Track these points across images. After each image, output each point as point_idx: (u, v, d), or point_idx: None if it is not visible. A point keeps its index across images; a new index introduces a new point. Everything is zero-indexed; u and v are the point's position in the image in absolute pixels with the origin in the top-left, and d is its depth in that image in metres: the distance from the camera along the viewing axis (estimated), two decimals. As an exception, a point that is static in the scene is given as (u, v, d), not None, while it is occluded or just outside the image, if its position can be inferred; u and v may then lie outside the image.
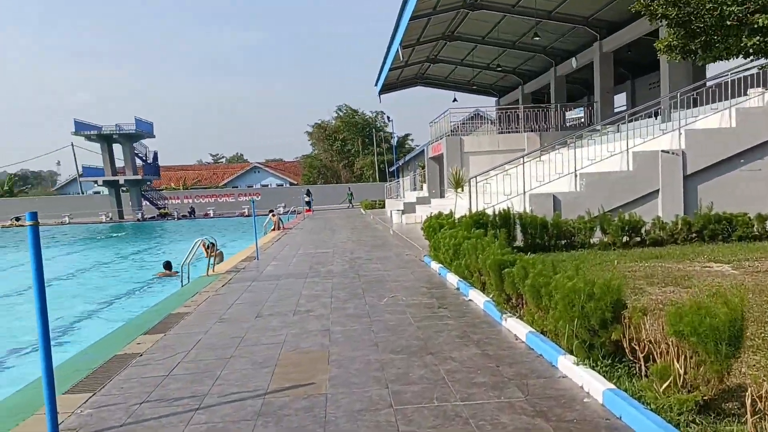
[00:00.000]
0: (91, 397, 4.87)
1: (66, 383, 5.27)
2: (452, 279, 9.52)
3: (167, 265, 15.36)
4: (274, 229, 26.24)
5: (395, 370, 5.23)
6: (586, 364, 4.79)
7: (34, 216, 3.84)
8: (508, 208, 12.42)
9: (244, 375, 5.27)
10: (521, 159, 14.80)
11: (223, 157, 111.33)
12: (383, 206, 38.60)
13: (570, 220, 12.39)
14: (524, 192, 14.11)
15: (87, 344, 7.36)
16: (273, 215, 27.36)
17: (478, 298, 7.91)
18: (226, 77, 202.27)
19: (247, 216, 45.95)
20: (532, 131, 24.88)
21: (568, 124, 29.60)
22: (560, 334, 5.20)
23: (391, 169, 60.94)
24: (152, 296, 12.52)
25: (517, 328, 6.27)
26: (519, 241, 12.14)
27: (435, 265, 11.10)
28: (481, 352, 5.69)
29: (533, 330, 5.93)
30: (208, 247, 16.71)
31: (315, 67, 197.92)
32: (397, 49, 24.52)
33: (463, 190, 16.30)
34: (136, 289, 14.25)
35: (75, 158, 62.43)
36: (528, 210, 13.17)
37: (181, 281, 12.24)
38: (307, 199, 49.70)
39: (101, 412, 4.52)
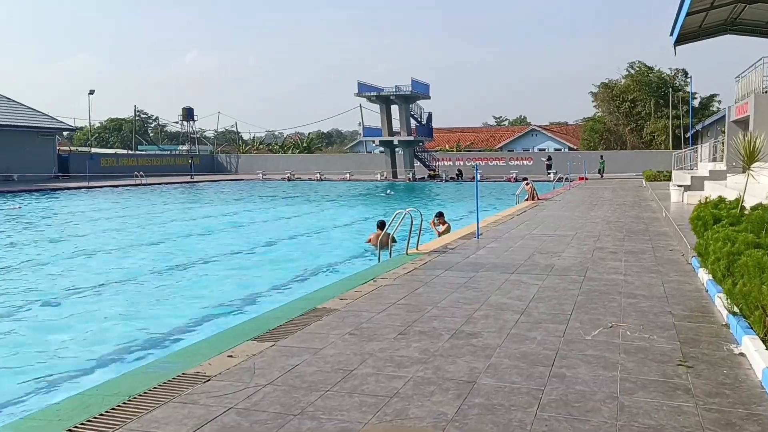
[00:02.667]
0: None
1: (86, 413, 3.86)
2: (722, 305, 6.13)
3: (381, 225, 13.47)
4: (527, 199, 23.56)
5: None
6: None
7: None
8: (841, 196, 8.09)
9: (278, 463, 3.22)
10: None
11: (506, 119, 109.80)
12: (669, 178, 32.74)
13: None
14: None
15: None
16: (527, 184, 24.61)
17: (755, 356, 4.61)
18: (518, 39, 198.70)
19: (515, 181, 43.62)
20: None
21: None
22: None
23: (687, 135, 52.41)
24: (347, 269, 11.22)
25: (823, 459, 3.09)
26: None
27: (704, 275, 7.60)
28: None
29: None
30: (436, 216, 15.01)
31: (607, 21, 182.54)
32: (697, -16, 19.37)
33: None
34: (348, 257, 13.17)
35: (362, 119, 66.49)
36: None
37: (378, 257, 10.66)
38: (548, 162, 47.74)
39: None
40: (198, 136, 78.56)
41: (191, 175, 52.32)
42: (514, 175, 47.94)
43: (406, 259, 9.92)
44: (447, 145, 74.85)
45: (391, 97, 51.24)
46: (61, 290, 10.31)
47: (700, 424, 3.64)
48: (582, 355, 4.96)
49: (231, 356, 5.01)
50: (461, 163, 56.41)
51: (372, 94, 51.38)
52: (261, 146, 79.67)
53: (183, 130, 74.36)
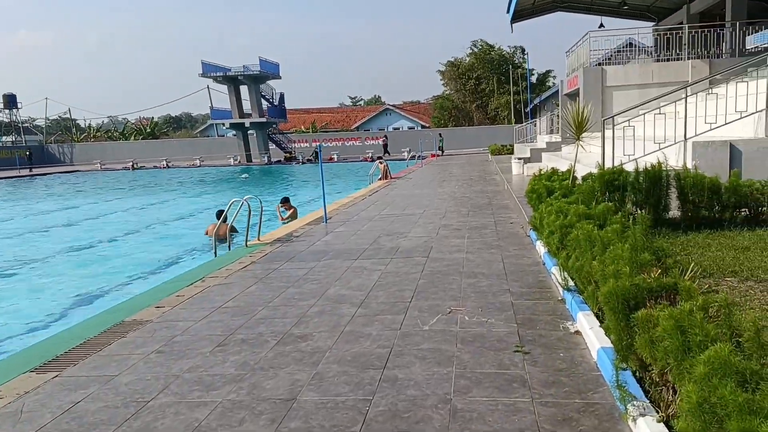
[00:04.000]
0: None
1: None
2: (559, 278, 6.03)
3: (219, 214, 11.55)
4: (381, 179, 23.46)
5: None
6: None
7: None
8: (660, 162, 8.43)
9: None
10: (683, 92, 10.51)
11: (361, 99, 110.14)
12: (512, 152, 34.38)
13: (756, 181, 8.22)
14: (685, 139, 9.91)
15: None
16: (381, 163, 24.53)
17: (590, 334, 4.44)
18: (367, 17, 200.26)
19: (371, 160, 43.69)
20: (698, 58, 19.52)
21: (748, 50, 23.41)
22: None
23: (527, 110, 55.63)
24: (179, 268, 10.17)
25: (657, 452, 2.84)
26: (675, 210, 8.24)
27: (541, 248, 7.59)
28: None
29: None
30: (281, 202, 14.26)
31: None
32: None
33: (604, 134, 12.11)
34: (183, 254, 12.06)
35: (210, 101, 63.30)
36: (690, 165, 9.07)
37: (214, 251, 9.75)
38: (384, 142, 50.62)
39: None
40: (28, 125, 71.00)
41: (30, 167, 47.80)
42: (370, 155, 48.14)
43: (244, 252, 9.11)
44: (303, 127, 73.77)
45: (239, 78, 49.15)
46: None
47: (536, 424, 3.31)
48: (417, 350, 4.54)
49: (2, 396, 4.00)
50: (317, 144, 55.71)
51: (218, 74, 48.93)
52: (99, 133, 73.47)
53: (6, 120, 66.83)
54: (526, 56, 61.05)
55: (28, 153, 51.42)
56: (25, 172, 46.38)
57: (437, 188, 18.05)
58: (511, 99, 59.95)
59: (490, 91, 64.64)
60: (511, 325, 5.01)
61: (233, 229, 10.92)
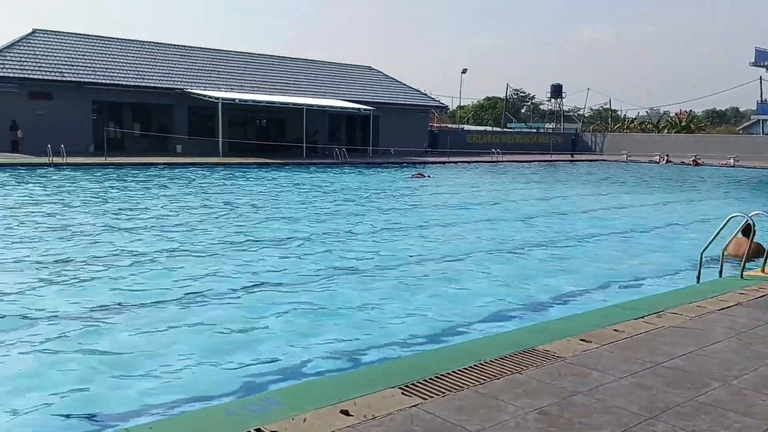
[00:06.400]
0: None
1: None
2: None
3: (746, 231, 8.15)
4: None
5: None
6: None
7: None
8: None
9: None
10: None
11: None
12: None
13: None
14: None
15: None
16: None
17: None
18: None
19: None
20: None
21: None
22: None
23: None
24: (662, 285, 8.25)
25: None
26: None
27: None
28: None
29: None
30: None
31: None
32: None
33: None
34: (661, 270, 9.85)
35: (761, 93, 55.10)
36: None
37: (698, 275, 7.58)
38: None
39: None
40: (572, 114, 76.91)
41: (572, 153, 52.15)
42: None
43: (735, 285, 6.83)
44: None
45: (803, 64, 40.98)
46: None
47: None
48: None
49: (345, 412, 3.53)
50: None
51: (774, 61, 41.93)
52: (632, 125, 73.49)
53: (551, 108, 73.64)
54: None
55: (573, 140, 56.05)
56: (557, 157, 49.86)
57: None
58: None
59: None
60: None
61: (759, 251, 8.26)
